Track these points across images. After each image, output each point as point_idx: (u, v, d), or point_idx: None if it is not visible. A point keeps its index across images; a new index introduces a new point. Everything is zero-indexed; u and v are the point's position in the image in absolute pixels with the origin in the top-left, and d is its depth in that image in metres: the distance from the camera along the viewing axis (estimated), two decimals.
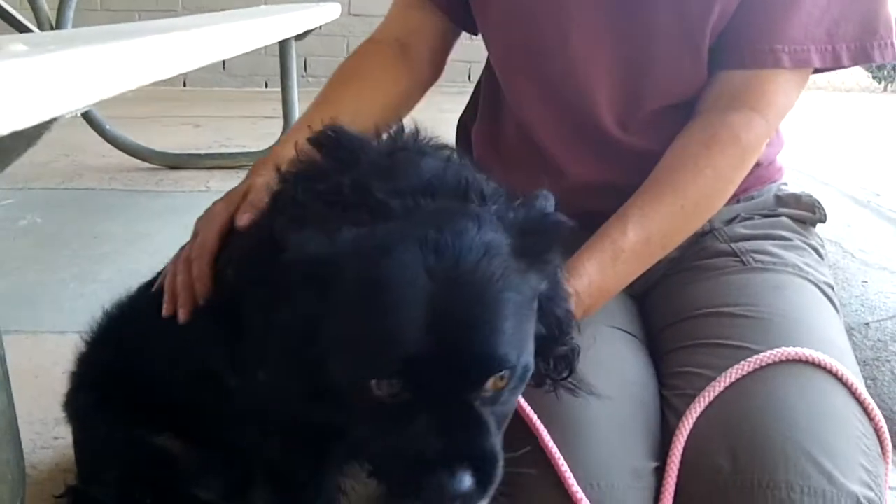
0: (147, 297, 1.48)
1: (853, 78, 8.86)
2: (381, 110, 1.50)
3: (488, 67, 1.68)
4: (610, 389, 1.30)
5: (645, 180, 1.43)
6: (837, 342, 1.39)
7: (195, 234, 1.35)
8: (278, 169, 1.21)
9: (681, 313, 1.47)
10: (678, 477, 1.24)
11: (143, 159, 4.55)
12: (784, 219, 1.59)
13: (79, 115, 4.45)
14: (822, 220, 1.62)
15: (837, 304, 1.53)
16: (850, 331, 2.33)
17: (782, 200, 1.60)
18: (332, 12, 4.17)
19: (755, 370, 1.28)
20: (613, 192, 1.43)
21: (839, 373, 1.29)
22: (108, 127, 4.47)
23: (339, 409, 1.02)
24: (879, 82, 8.87)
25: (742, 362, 1.29)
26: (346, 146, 1.18)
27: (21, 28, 4.14)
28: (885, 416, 1.96)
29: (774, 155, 1.66)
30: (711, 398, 1.28)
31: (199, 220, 1.37)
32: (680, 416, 1.29)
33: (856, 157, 5.01)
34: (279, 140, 1.38)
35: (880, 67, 8.76)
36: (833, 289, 1.54)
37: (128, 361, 1.45)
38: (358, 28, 7.14)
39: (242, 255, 1.22)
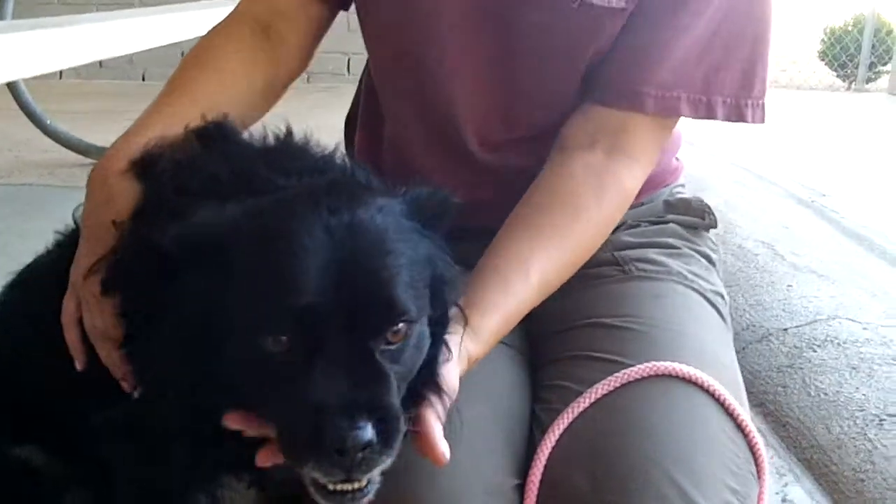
0: (13, 299, 1.45)
1: (816, 76, 8.88)
2: (240, 105, 1.34)
3: (368, 72, 1.62)
4: (473, 403, 1.26)
5: (529, 212, 1.34)
6: (717, 354, 1.36)
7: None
8: (136, 164, 1.16)
9: (559, 323, 1.43)
10: (538, 496, 1.20)
11: (83, 154, 4.49)
12: (672, 225, 1.54)
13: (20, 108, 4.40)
14: (713, 226, 1.57)
15: (726, 313, 1.49)
16: (767, 336, 2.31)
17: (671, 206, 1.55)
18: None
19: (623, 385, 1.25)
20: (487, 209, 1.35)
21: (712, 389, 1.25)
22: (48, 122, 4.41)
23: (234, 386, 0.98)
24: (844, 80, 8.89)
25: (610, 377, 1.25)
26: (233, 140, 1.16)
27: None
28: (791, 424, 1.98)
29: (669, 159, 1.61)
30: (576, 414, 1.24)
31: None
32: (545, 431, 1.25)
33: (809, 156, 5.00)
34: (127, 131, 1.28)
35: (843, 65, 8.78)
36: (723, 297, 1.50)
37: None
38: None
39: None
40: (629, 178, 1.38)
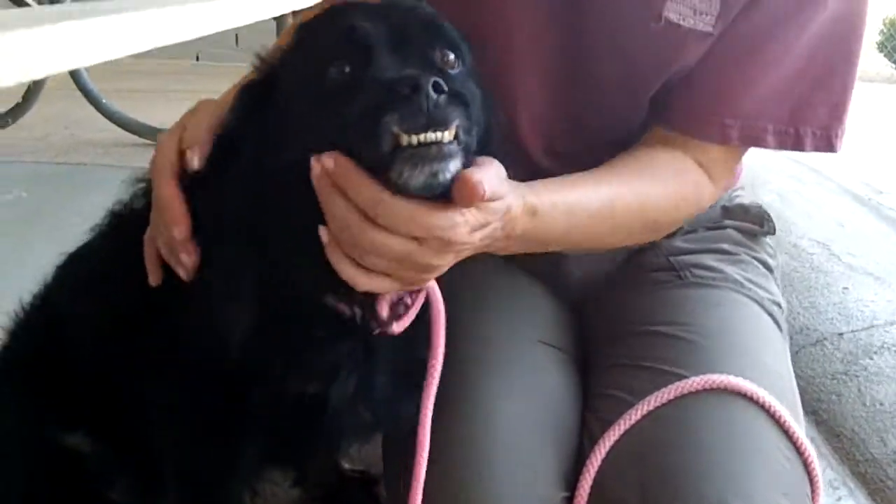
0: (65, 278, 1.46)
1: (874, 67, 8.70)
2: None
3: None
4: (525, 412, 1.25)
5: (607, 165, 1.31)
6: (774, 367, 1.33)
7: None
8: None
9: (613, 329, 1.41)
10: None
11: (138, 135, 4.51)
12: (730, 231, 1.51)
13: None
14: (771, 233, 1.54)
15: (782, 322, 1.46)
16: (822, 341, 2.27)
17: (729, 212, 1.52)
18: None
19: (676, 398, 1.23)
20: None
21: (768, 405, 1.23)
22: (104, 101, 4.44)
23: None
24: None
25: (663, 389, 1.23)
26: None
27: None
28: (845, 435, 1.94)
29: None
30: (628, 426, 1.22)
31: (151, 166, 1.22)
32: (595, 442, 1.24)
33: (865, 152, 4.89)
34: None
35: None
36: (780, 306, 1.47)
37: (43, 352, 1.42)
38: None
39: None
40: (703, 188, 1.35)
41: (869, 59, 8.65)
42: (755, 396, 1.23)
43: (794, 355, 2.20)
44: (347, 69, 0.99)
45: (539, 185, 1.17)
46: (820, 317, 2.40)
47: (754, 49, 1.27)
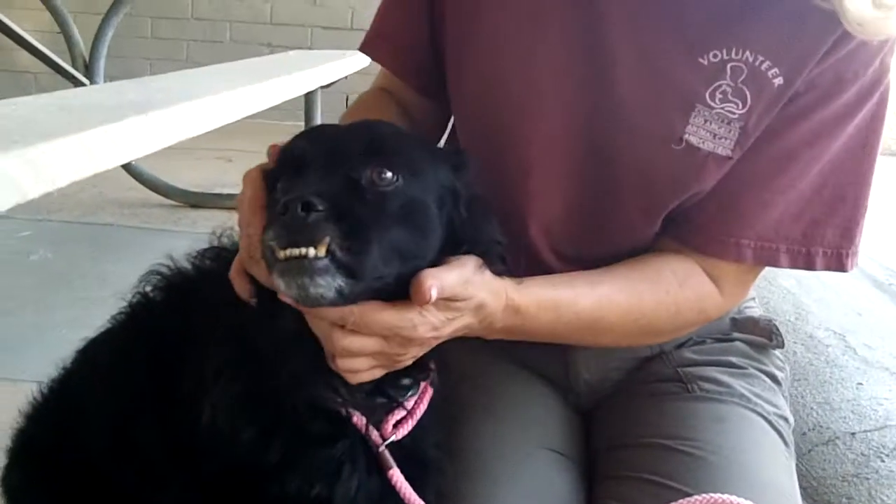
0: (82, 368, 1.49)
1: None
2: None
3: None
4: None
5: (610, 267, 1.36)
6: (778, 486, 1.34)
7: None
8: None
9: (620, 439, 1.43)
10: None
11: (164, 196, 4.59)
12: (738, 344, 1.53)
13: None
14: (780, 346, 1.55)
15: (788, 436, 1.47)
16: (833, 440, 2.26)
17: (738, 324, 1.54)
18: (360, 61, 4.19)
19: None
20: None
21: None
22: (132, 162, 4.51)
23: None
24: None
25: None
26: None
27: (60, 71, 4.19)
28: None
29: None
30: None
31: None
32: None
33: (887, 232, 4.86)
34: None
35: None
36: (787, 420, 1.48)
37: (57, 441, 1.45)
38: None
39: None
40: (711, 298, 1.37)
41: (891, 131, 8.62)
42: None
43: (806, 454, 2.20)
44: (285, 183, 1.05)
45: (529, 282, 1.22)
46: (833, 414, 2.38)
47: (772, 174, 1.30)
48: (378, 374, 1.11)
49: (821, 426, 2.33)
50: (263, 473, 1.15)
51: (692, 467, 1.31)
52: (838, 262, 1.35)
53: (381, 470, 1.18)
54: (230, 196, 4.65)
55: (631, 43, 1.27)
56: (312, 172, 1.03)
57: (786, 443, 1.45)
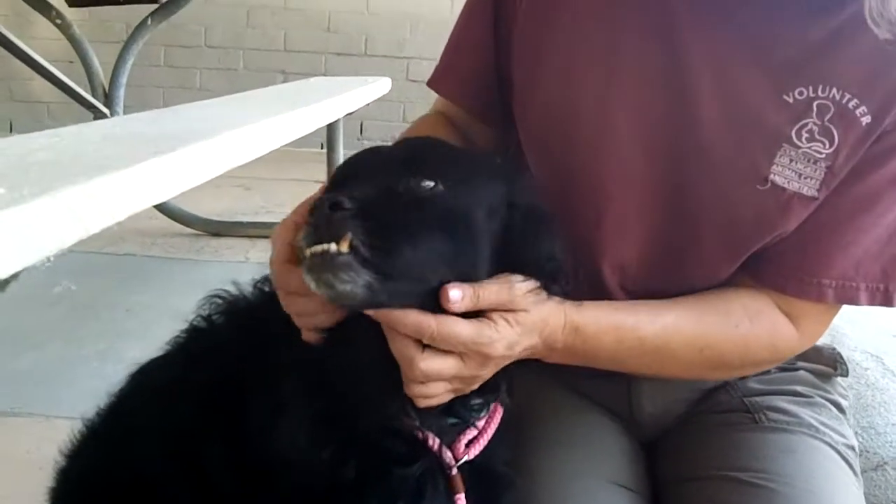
0: (133, 392, 1.45)
1: None
2: None
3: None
4: None
5: (689, 300, 1.34)
6: None
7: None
8: None
9: (688, 471, 1.40)
10: None
11: (185, 224, 4.57)
12: (802, 373, 1.51)
13: None
14: (844, 375, 1.53)
15: (856, 465, 1.44)
16: (882, 466, 2.23)
17: (802, 353, 1.51)
18: (382, 88, 4.18)
19: None
20: None
21: None
22: None
23: None
24: None
25: None
26: None
27: (79, 99, 4.19)
28: None
29: None
30: None
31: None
32: None
33: None
34: None
35: None
36: (854, 449, 1.45)
37: (109, 470, 1.41)
38: (415, 94, 7.15)
39: None
40: (784, 336, 1.34)
41: None
42: None
43: None
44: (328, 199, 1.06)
45: (589, 304, 1.21)
46: (879, 439, 2.36)
47: (855, 214, 1.27)
48: (448, 398, 1.11)
49: (868, 451, 2.31)
50: (341, 494, 1.13)
51: (765, 500, 1.28)
52: None
53: (452, 492, 1.17)
54: (252, 224, 4.64)
55: (714, 81, 1.24)
56: (352, 182, 1.05)
57: (854, 472, 1.42)
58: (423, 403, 1.08)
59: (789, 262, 1.31)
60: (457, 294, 1.01)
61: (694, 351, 1.30)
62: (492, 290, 1.05)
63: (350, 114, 4.02)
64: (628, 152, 1.30)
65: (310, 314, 1.10)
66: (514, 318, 1.07)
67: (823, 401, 1.48)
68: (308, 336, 1.12)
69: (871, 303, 1.30)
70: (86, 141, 1.65)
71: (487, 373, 1.11)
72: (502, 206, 1.11)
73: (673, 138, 1.27)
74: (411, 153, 1.10)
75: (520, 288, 1.08)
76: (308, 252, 0.96)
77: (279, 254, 1.11)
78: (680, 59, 1.25)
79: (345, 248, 0.94)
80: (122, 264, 4.07)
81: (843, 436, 1.45)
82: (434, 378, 1.06)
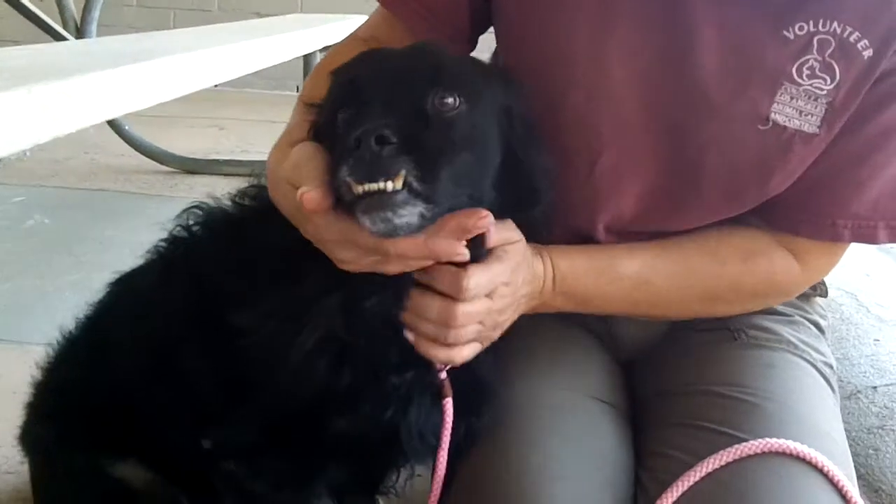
0: (113, 304, 1.46)
1: None
2: None
3: None
4: (579, 469, 1.24)
5: (672, 239, 1.35)
6: (828, 431, 1.32)
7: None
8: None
9: (667, 387, 1.41)
10: None
11: (160, 162, 4.52)
12: None
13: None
14: (823, 295, 1.53)
15: (835, 384, 1.45)
16: (856, 394, 2.25)
17: None
18: (358, 24, 4.13)
19: (734, 461, 1.21)
20: None
21: (826, 469, 1.21)
22: (126, 127, 4.44)
23: None
24: None
25: (721, 452, 1.22)
26: None
27: (51, 32, 4.11)
28: (884, 491, 1.92)
29: None
30: (685, 488, 1.21)
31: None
32: (651, 502, 1.22)
33: None
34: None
35: None
36: (832, 367, 1.47)
37: (90, 379, 1.41)
38: None
39: None
40: (785, 270, 1.35)
41: None
42: (814, 461, 1.21)
43: None
44: (348, 115, 1.06)
45: (563, 249, 1.29)
46: (853, 369, 2.38)
47: (867, 153, 1.26)
48: (475, 351, 1.17)
49: (842, 381, 2.33)
50: (332, 403, 1.14)
51: (745, 413, 1.29)
52: None
53: (439, 397, 1.19)
54: (226, 162, 4.59)
55: (713, 20, 1.21)
56: (377, 102, 1.02)
57: (832, 389, 1.43)
58: (457, 356, 1.14)
59: (801, 205, 1.31)
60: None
61: (682, 286, 1.33)
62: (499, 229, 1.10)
63: (326, 49, 3.98)
64: (623, 95, 1.27)
65: (356, 260, 1.08)
66: (512, 248, 1.14)
67: (803, 319, 1.48)
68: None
69: (892, 240, 1.30)
70: (61, 54, 1.62)
71: (507, 317, 1.19)
72: (505, 113, 1.13)
73: (670, 81, 1.25)
74: (430, 66, 1.08)
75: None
76: (360, 189, 0.94)
77: (320, 201, 1.01)
78: (679, 1, 1.22)
79: (399, 184, 0.94)
80: (95, 199, 4.02)
81: (821, 353, 1.45)
82: (471, 321, 1.12)
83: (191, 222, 1.35)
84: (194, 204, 1.36)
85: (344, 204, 0.99)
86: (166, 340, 1.29)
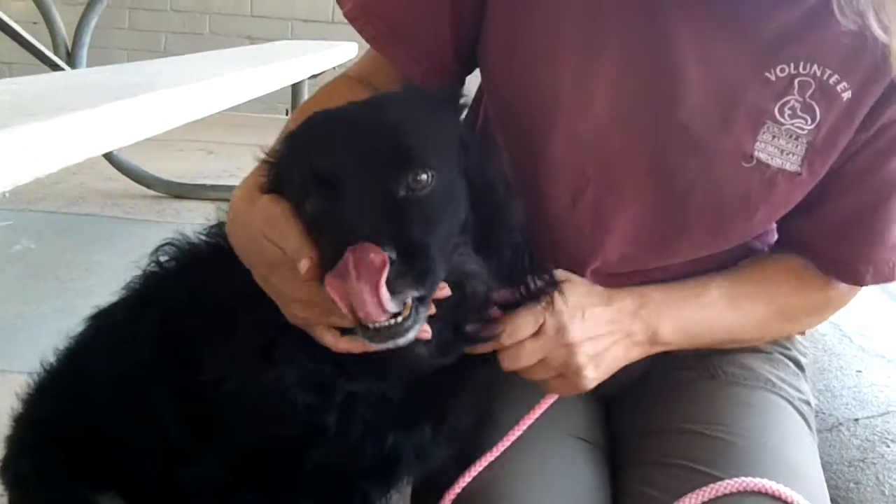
0: (89, 339, 1.45)
1: None
2: None
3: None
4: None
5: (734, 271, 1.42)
6: (804, 469, 1.32)
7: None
8: None
9: (646, 425, 1.41)
10: None
11: (147, 187, 4.53)
12: None
13: None
14: (802, 332, 1.54)
15: (811, 421, 1.46)
16: (837, 426, 2.26)
17: None
18: (347, 52, 4.15)
19: (710, 500, 1.22)
20: None
21: None
22: (114, 152, 4.44)
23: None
24: None
25: (697, 491, 1.22)
26: None
27: (42, 57, 4.12)
28: None
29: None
30: None
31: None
32: None
33: None
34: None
35: None
36: (810, 405, 1.48)
37: (70, 411, 1.41)
38: None
39: None
40: (816, 317, 1.49)
41: None
42: (789, 500, 1.22)
43: None
44: (318, 206, 1.03)
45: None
46: (835, 401, 2.39)
47: (883, 201, 1.31)
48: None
49: (824, 413, 2.33)
50: (316, 438, 1.14)
51: (722, 452, 1.30)
52: None
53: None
54: (214, 187, 4.60)
55: (698, 60, 1.23)
56: (348, 192, 0.99)
57: (809, 427, 1.44)
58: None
59: (830, 252, 1.36)
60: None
61: (765, 304, 1.40)
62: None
63: (315, 77, 4.00)
64: (607, 133, 1.28)
65: (312, 319, 1.10)
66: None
67: (782, 357, 1.49)
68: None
69: None
70: (46, 88, 1.63)
71: (589, 365, 1.26)
72: (462, 149, 1.13)
73: (655, 118, 1.26)
74: (397, 144, 1.03)
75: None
76: (371, 326, 0.94)
77: (315, 272, 1.01)
78: (662, 37, 1.24)
79: (407, 312, 0.95)
80: (82, 224, 4.03)
81: (799, 391, 1.47)
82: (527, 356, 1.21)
83: (163, 258, 1.35)
84: (167, 240, 1.36)
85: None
86: (138, 379, 1.28)
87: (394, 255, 0.91)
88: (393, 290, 0.91)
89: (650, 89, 1.25)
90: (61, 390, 1.46)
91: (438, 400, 1.20)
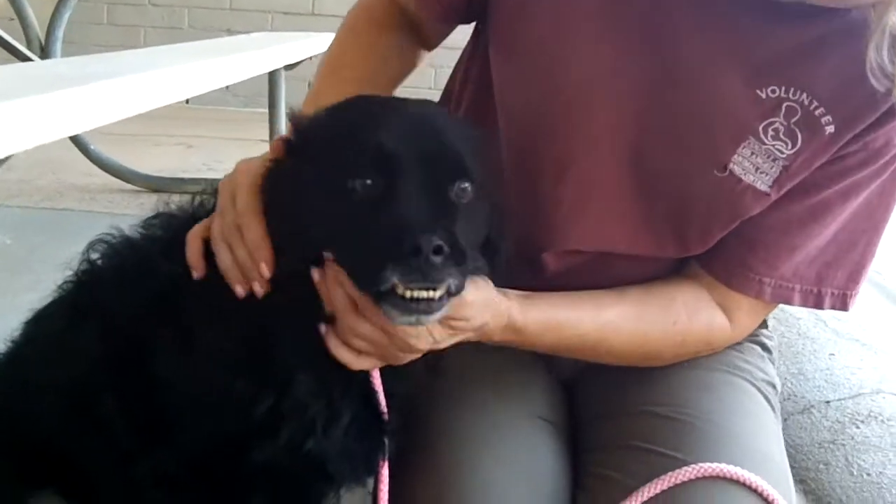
0: (29, 331, 1.42)
1: None
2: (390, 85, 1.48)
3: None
4: (518, 493, 1.25)
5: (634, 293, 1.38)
6: (768, 452, 1.34)
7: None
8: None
9: (607, 408, 1.42)
10: None
11: (126, 181, 4.50)
12: None
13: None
14: (764, 326, 1.56)
15: (775, 402, 1.47)
16: (809, 409, 2.28)
17: None
18: (322, 43, 4.14)
19: (671, 487, 1.23)
20: None
21: (763, 491, 1.24)
22: (91, 147, 4.42)
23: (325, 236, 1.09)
24: None
25: (656, 480, 1.24)
26: None
27: (15, 52, 4.09)
28: None
29: None
30: None
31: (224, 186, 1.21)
32: None
33: None
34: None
35: None
36: (775, 387, 1.49)
37: (11, 411, 1.37)
38: None
39: None
40: (720, 330, 1.39)
41: None
42: (751, 484, 1.24)
43: (783, 423, 2.21)
44: (370, 185, 1.05)
45: (535, 299, 1.27)
46: (807, 384, 2.41)
47: (806, 222, 1.32)
48: (370, 364, 1.16)
49: (796, 395, 2.35)
50: (252, 433, 1.14)
51: (682, 435, 1.31)
52: (843, 303, 1.38)
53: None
54: (193, 180, 4.57)
55: (696, 62, 1.27)
56: (411, 188, 1.05)
57: (773, 408, 1.45)
58: (347, 360, 1.14)
59: (738, 258, 1.35)
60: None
61: (633, 347, 1.36)
62: (463, 308, 1.12)
63: (292, 67, 3.99)
64: (598, 108, 1.31)
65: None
66: (447, 324, 1.13)
67: (747, 340, 1.50)
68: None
69: (804, 304, 1.38)
70: (3, 79, 1.61)
71: (410, 358, 1.17)
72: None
73: (645, 107, 1.29)
74: (450, 148, 1.10)
75: (476, 299, 1.14)
76: (408, 294, 0.98)
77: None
78: (667, 34, 1.27)
79: (443, 291, 1.00)
80: (60, 219, 4.00)
81: (764, 372, 1.48)
82: (360, 336, 1.11)
83: (94, 256, 1.32)
84: (99, 237, 1.33)
85: (363, 284, 1.04)
86: (79, 386, 1.25)
87: (447, 248, 0.97)
88: (437, 275, 0.98)
89: (647, 80, 1.29)
90: (2, 389, 1.43)
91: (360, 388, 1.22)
